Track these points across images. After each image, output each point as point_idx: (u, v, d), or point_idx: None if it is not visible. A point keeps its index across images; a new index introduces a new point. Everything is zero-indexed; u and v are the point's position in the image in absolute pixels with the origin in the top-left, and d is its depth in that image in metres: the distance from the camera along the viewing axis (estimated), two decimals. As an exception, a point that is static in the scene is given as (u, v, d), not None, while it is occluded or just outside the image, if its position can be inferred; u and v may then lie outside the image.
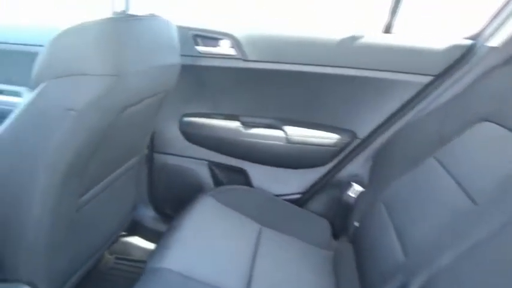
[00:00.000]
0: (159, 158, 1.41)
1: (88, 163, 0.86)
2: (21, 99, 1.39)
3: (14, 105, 1.40)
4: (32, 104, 0.75)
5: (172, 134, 1.38)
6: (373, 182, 1.17)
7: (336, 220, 1.27)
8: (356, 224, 1.10)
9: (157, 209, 1.49)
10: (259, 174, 1.37)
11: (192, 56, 1.25)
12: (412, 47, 1.16)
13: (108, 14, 0.84)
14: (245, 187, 1.31)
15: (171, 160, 1.41)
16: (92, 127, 0.78)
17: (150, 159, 1.41)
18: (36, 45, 1.33)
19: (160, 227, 1.49)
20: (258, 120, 1.32)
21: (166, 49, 0.95)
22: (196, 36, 1.25)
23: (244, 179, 1.38)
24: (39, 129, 0.76)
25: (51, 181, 0.78)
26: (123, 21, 0.79)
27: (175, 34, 1.01)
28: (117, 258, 1.45)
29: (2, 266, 0.85)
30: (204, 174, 1.41)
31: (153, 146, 1.39)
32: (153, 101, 1.00)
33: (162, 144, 1.40)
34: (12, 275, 0.87)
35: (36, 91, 0.74)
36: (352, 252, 1.08)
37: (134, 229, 1.47)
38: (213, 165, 1.40)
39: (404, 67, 1.17)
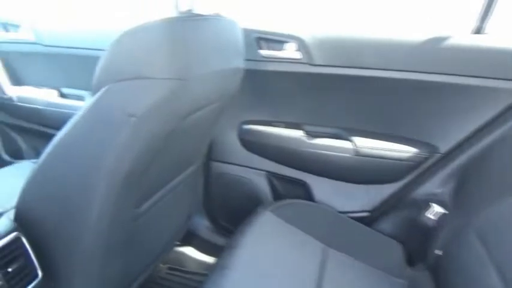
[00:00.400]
0: (216, 166, 1.35)
1: (147, 171, 0.80)
2: (84, 103, 1.41)
3: (77, 109, 1.42)
4: (92, 109, 0.70)
5: (230, 142, 1.31)
6: (460, 205, 1.02)
7: (411, 244, 1.13)
8: (438, 252, 0.96)
9: (212, 219, 1.43)
10: (322, 188, 1.26)
11: (254, 60, 1.17)
12: (507, 50, 0.99)
13: (171, 14, 0.78)
14: (307, 202, 1.21)
15: (228, 169, 1.34)
16: (152, 134, 0.72)
17: (206, 168, 1.35)
18: (100, 49, 1.33)
19: (215, 238, 1.43)
20: (323, 129, 1.22)
21: (232, 52, 0.88)
22: (259, 39, 1.17)
23: (305, 192, 1.28)
24: (98, 135, 0.72)
25: (110, 188, 0.74)
26: (189, 21, 0.73)
27: (241, 36, 0.93)
28: (169, 268, 1.41)
29: (55, 275, 0.82)
30: (262, 185, 1.32)
31: (210, 154, 1.33)
32: (215, 108, 0.93)
33: (220, 153, 1.34)
34: (66, 285, 0.84)
35: (96, 95, 0.70)
36: (431, 283, 0.94)
37: (188, 239, 1.42)
38: (272, 176, 1.32)
39: (498, 72, 1.01)
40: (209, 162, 1.35)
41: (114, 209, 0.77)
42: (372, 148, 1.15)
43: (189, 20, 0.74)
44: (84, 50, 1.37)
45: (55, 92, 1.46)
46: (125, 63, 0.69)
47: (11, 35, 1.44)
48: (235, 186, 1.35)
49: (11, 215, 0.89)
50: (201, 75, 0.75)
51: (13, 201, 1.03)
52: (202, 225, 1.43)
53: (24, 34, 1.42)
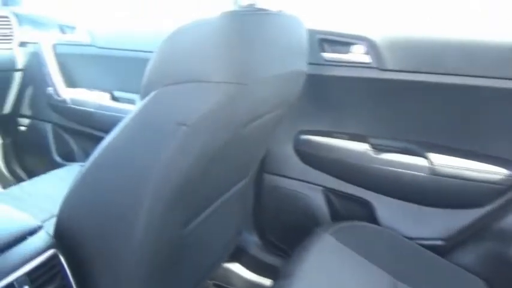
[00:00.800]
0: (269, 179, 1.25)
1: (197, 186, 0.71)
2: (135, 107, 1.37)
3: (128, 113, 1.38)
4: (139, 116, 0.63)
5: (286, 153, 1.20)
6: None
7: (495, 282, 0.95)
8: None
9: (261, 235, 1.32)
10: (389, 210, 1.11)
11: (316, 64, 1.06)
12: None
13: (230, 8, 0.69)
14: (371, 225, 1.07)
15: (282, 182, 1.23)
16: (204, 145, 0.63)
17: (258, 180, 1.25)
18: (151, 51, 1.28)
19: (264, 256, 1.32)
20: (393, 143, 1.07)
21: (295, 53, 0.77)
22: (322, 40, 1.06)
23: (368, 213, 1.14)
24: (146, 144, 0.64)
25: (157, 203, 0.65)
26: (250, 17, 0.63)
27: (305, 36, 0.83)
28: (215, 285, 1.32)
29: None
30: (319, 201, 1.20)
31: (263, 165, 1.23)
32: (273, 116, 0.83)
33: (273, 164, 1.23)
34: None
35: (145, 101, 0.62)
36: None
37: (235, 255, 1.32)
38: (330, 193, 1.19)
39: None
40: (261, 174, 1.25)
41: (160, 226, 0.69)
42: (452, 167, 0.99)
43: (250, 15, 0.64)
44: (137, 52, 1.32)
45: (107, 95, 1.43)
46: (175, 64, 0.61)
47: (67, 37, 1.43)
48: (289, 202, 1.24)
49: (50, 227, 0.84)
50: (262, 79, 0.64)
51: (56, 207, 0.99)
52: (251, 241, 1.33)
53: (79, 36, 1.41)
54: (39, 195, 1.12)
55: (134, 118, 0.63)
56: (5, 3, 1.52)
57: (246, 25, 0.61)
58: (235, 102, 0.61)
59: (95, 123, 1.44)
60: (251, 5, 0.69)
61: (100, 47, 1.39)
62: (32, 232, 0.61)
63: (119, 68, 1.41)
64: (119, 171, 0.66)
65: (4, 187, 1.69)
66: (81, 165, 1.40)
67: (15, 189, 1.13)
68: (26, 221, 0.63)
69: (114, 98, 1.44)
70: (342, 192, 1.17)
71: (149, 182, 0.63)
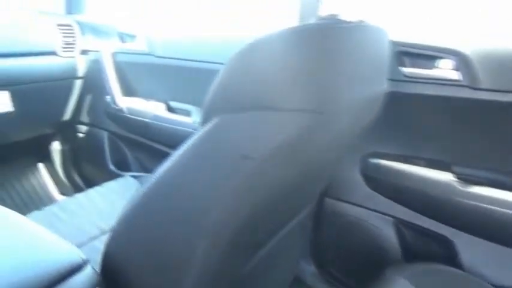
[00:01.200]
0: (331, 204, 1.13)
1: (260, 222, 0.62)
2: (190, 119, 1.33)
3: (183, 125, 1.35)
4: (199, 144, 0.54)
5: (351, 177, 1.08)
6: None
7: None
8: None
9: (320, 265, 1.21)
10: (474, 251, 0.95)
11: (395, 80, 0.93)
12: None
13: (308, 19, 0.59)
14: (454, 270, 0.91)
15: (346, 209, 1.11)
16: (272, 181, 0.54)
17: (319, 204, 1.13)
18: (211, 62, 1.21)
19: (321, 287, 1.20)
20: (482, 173, 0.91)
21: (379, 70, 0.66)
22: (402, 53, 0.93)
23: (447, 252, 0.99)
24: (206, 177, 0.55)
25: (217, 241, 0.57)
26: (333, 30, 0.53)
27: (388, 50, 0.71)
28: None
29: None
30: (388, 234, 1.06)
31: (325, 189, 1.12)
32: (346, 142, 0.72)
33: (336, 188, 1.11)
34: None
35: (206, 128, 0.53)
36: None
37: (291, 285, 1.22)
38: (402, 225, 1.04)
39: None
40: (322, 198, 1.13)
41: (218, 268, 0.60)
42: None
43: (332, 28, 0.54)
44: (194, 62, 1.27)
45: (163, 105, 1.39)
46: (241, 88, 0.52)
47: (127, 46, 1.42)
48: (353, 230, 1.11)
49: (99, 245, 0.79)
50: (342, 105, 0.54)
51: (107, 223, 0.94)
52: (308, 270, 1.21)
53: (138, 44, 1.39)
54: (91, 209, 1.09)
55: (194, 146, 0.55)
56: (69, 12, 1.54)
57: (328, 41, 0.51)
58: (310, 133, 0.50)
59: (150, 134, 1.40)
60: (332, 16, 0.58)
61: (158, 56, 1.36)
62: (77, 269, 0.55)
63: (176, 77, 1.36)
64: (175, 204, 0.58)
65: (61, 192, 1.72)
66: (134, 176, 1.39)
67: (69, 202, 1.11)
68: (71, 254, 0.56)
69: (170, 108, 1.40)
70: (416, 225, 1.02)
71: (206, 221, 0.55)
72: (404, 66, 0.93)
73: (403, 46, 0.92)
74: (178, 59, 1.32)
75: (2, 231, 0.59)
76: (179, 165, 0.57)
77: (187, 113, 1.34)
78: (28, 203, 1.62)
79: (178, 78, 1.36)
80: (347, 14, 0.61)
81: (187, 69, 1.30)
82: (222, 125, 0.52)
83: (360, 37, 0.59)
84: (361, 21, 0.65)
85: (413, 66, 0.93)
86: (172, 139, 1.34)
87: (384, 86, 0.70)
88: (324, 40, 0.51)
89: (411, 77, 0.93)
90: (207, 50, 1.24)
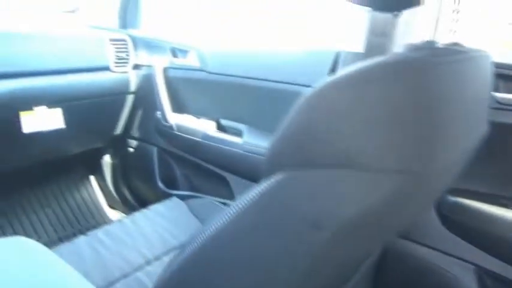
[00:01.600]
0: (400, 244, 0.99)
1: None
2: (240, 139, 1.25)
3: (233, 146, 1.27)
4: (258, 203, 0.44)
5: (425, 215, 0.94)
6: None
7: None
8: None
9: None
10: None
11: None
12: None
13: (400, 47, 0.48)
14: None
15: (416, 251, 0.97)
16: (347, 253, 0.43)
17: (385, 245, 1.00)
18: (263, 80, 1.13)
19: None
20: None
21: (482, 107, 0.53)
22: (496, 76, 0.78)
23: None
24: (263, 244, 0.45)
25: None
26: (436, 66, 0.41)
27: (491, 79, 0.58)
28: None
29: None
30: (468, 283, 0.91)
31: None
32: (435, 198, 0.59)
33: (408, 228, 0.97)
34: None
35: (265, 184, 0.43)
36: None
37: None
38: (486, 275, 0.89)
39: None
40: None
41: None
42: None
43: (434, 64, 0.41)
44: (246, 79, 1.19)
45: (213, 123, 1.32)
46: (313, 140, 0.41)
47: (179, 61, 1.37)
48: (424, 276, 0.97)
49: (143, 277, 0.73)
50: (442, 161, 0.42)
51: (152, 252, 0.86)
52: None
53: (191, 60, 1.33)
54: (137, 235, 1.05)
55: (250, 205, 0.45)
56: (123, 26, 1.52)
57: (430, 79, 0.39)
58: (401, 197, 0.39)
59: (199, 153, 1.34)
60: (430, 44, 0.46)
61: (210, 72, 1.29)
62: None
63: (227, 94, 1.29)
64: (229, 268, 0.49)
65: (110, 204, 1.71)
66: (181, 196, 1.33)
67: (115, 226, 1.07)
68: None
69: (220, 126, 1.33)
70: (503, 277, 0.87)
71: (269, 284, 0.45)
72: (498, 91, 0.79)
73: (498, 67, 0.77)
74: (230, 75, 1.25)
75: (28, 270, 0.53)
76: (231, 225, 0.47)
77: (238, 132, 1.27)
78: (78, 214, 1.62)
79: (229, 95, 1.28)
80: (442, 39, 0.49)
81: (238, 86, 1.23)
82: (286, 183, 0.41)
83: (467, 68, 0.47)
84: (458, 45, 0.53)
85: (508, 91, 0.78)
86: (221, 159, 1.27)
87: (485, 128, 0.57)
88: (426, 76, 0.40)
89: (505, 104, 0.78)
90: (259, 66, 1.16)
